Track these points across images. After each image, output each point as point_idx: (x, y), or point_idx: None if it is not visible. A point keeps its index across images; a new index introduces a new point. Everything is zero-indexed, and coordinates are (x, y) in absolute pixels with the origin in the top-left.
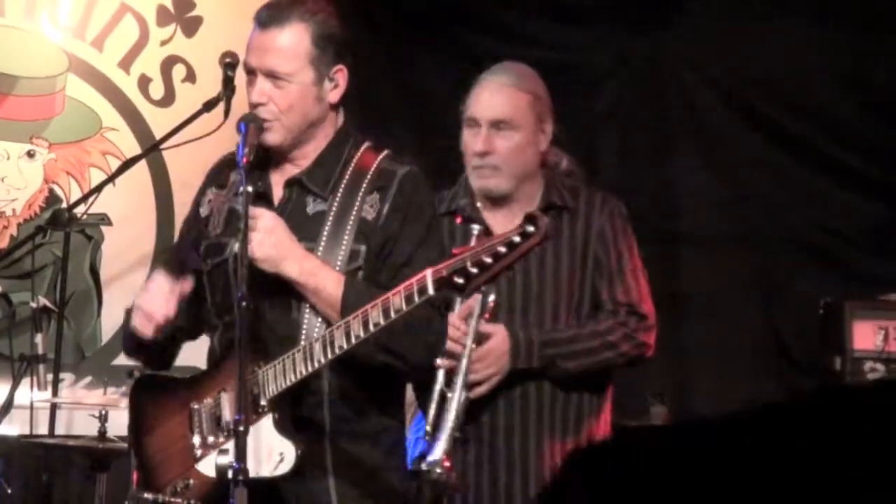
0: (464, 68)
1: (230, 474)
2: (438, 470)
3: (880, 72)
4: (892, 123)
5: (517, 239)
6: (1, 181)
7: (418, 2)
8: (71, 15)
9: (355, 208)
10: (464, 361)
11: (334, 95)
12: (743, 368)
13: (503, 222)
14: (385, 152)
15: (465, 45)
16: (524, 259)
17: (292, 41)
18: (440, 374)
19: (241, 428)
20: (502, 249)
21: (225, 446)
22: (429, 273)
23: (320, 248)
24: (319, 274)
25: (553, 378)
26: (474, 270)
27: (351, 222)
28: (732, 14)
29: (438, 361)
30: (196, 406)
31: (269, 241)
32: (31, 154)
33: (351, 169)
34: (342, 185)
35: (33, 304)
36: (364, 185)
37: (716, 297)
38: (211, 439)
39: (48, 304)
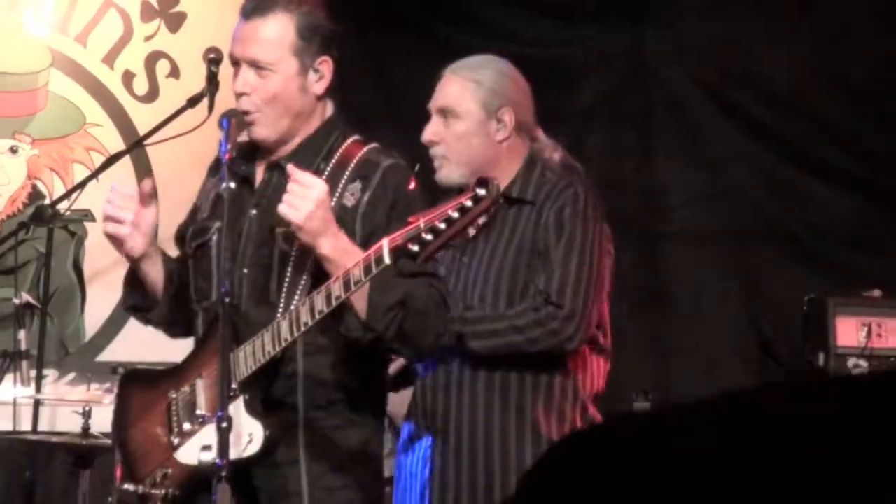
0: (443, 64)
1: (213, 470)
2: None
3: (863, 69)
4: (874, 120)
5: (469, 203)
6: None
7: None
8: (54, 10)
9: (336, 195)
10: None
11: (319, 87)
12: (726, 365)
13: None
14: (372, 145)
15: (447, 41)
16: (472, 247)
17: (276, 31)
18: None
19: (224, 424)
20: (455, 214)
21: (203, 437)
22: (385, 242)
23: None
24: (352, 253)
25: (468, 355)
26: (429, 237)
27: (331, 208)
28: (715, 10)
29: None
30: (174, 395)
31: (318, 214)
32: (13, 150)
33: (335, 159)
34: (325, 174)
35: (16, 301)
36: (347, 174)
37: (699, 294)
38: (187, 427)
39: (31, 300)
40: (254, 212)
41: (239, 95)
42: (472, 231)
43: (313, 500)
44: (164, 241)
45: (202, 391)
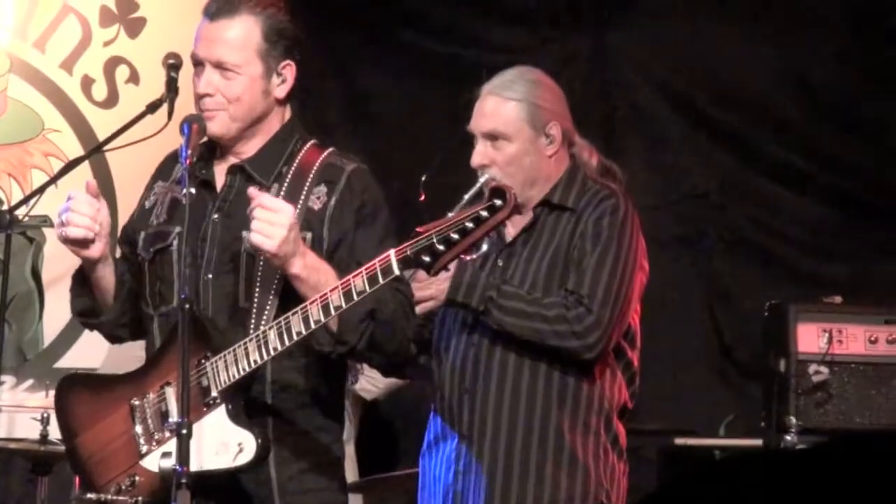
0: (406, 69)
1: (174, 476)
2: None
3: (825, 74)
4: (835, 125)
5: (485, 213)
6: None
7: (361, 1)
8: (12, 15)
9: (301, 198)
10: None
11: (281, 90)
12: (687, 371)
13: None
14: (330, 149)
15: (407, 45)
16: (509, 251)
17: (242, 33)
18: None
19: (185, 431)
20: (470, 225)
21: (170, 445)
22: (392, 253)
23: None
24: (320, 268)
25: (537, 356)
26: (441, 248)
27: (297, 212)
28: (677, 15)
29: None
30: (137, 401)
31: (290, 237)
32: None
33: (296, 163)
34: (287, 178)
35: None
36: (310, 178)
37: (660, 300)
38: (158, 435)
39: None
40: (216, 216)
41: (202, 96)
42: (485, 245)
43: (284, 497)
44: None
45: (174, 399)
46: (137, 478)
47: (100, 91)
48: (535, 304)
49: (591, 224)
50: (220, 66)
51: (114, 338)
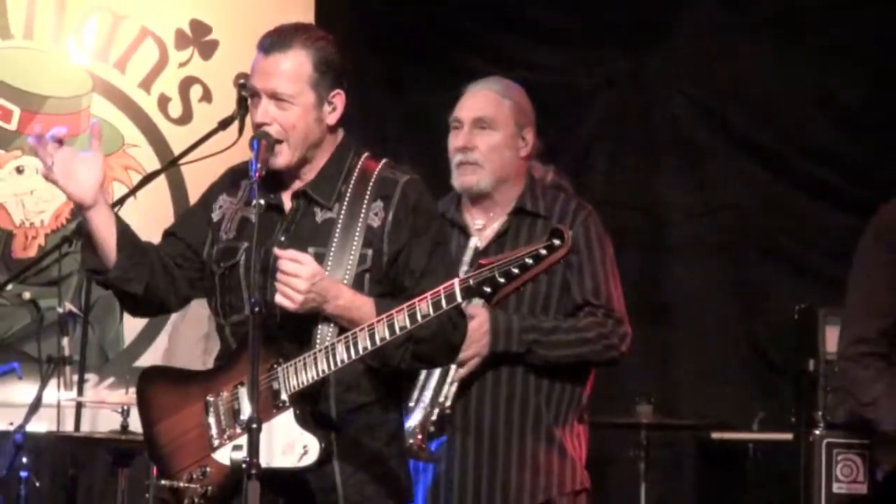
0: (459, 88)
1: (244, 468)
2: (410, 440)
3: (850, 91)
4: (860, 139)
5: (544, 252)
6: (30, 194)
7: (417, 26)
8: (95, 39)
9: (361, 216)
10: None
11: (332, 118)
12: (723, 370)
13: (481, 222)
14: (384, 160)
15: (459, 66)
16: (486, 253)
17: (294, 66)
18: None
19: (255, 426)
20: (529, 261)
21: (241, 440)
22: (456, 282)
23: (331, 253)
24: (353, 306)
25: (530, 365)
26: (502, 280)
27: (359, 229)
28: (712, 36)
29: None
30: (212, 398)
31: (312, 296)
32: None
33: (354, 178)
34: (347, 195)
35: (60, 310)
36: (367, 194)
37: (698, 304)
38: (229, 431)
39: (74, 309)
40: (283, 238)
41: (259, 125)
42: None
43: (347, 494)
44: None
45: (246, 398)
46: (208, 469)
47: (175, 109)
48: (573, 331)
49: (580, 234)
50: (275, 96)
51: (126, 296)
